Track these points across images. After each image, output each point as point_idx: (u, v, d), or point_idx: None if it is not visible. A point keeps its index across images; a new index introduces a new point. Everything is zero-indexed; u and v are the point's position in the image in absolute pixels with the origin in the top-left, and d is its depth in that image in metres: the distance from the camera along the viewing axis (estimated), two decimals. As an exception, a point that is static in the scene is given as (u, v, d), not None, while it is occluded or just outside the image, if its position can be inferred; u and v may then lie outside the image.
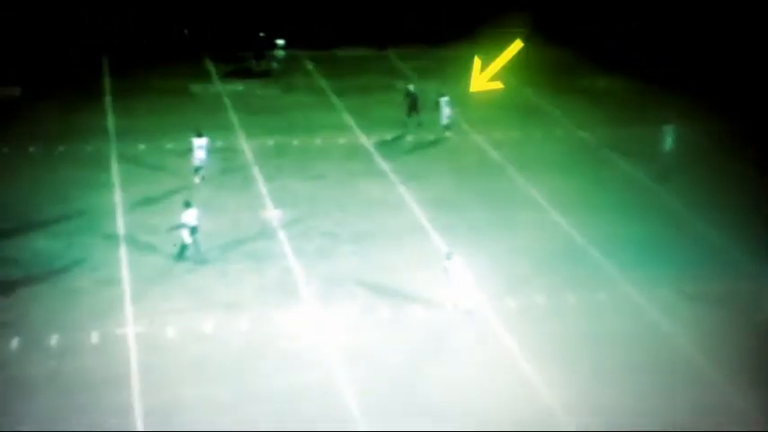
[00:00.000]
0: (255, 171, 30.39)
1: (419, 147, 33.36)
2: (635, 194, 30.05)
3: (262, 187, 29.16)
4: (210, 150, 29.11)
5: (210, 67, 41.77)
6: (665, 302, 23.36)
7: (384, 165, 31.53)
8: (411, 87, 35.49)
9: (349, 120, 35.79)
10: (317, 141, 33.38)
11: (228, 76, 40.49)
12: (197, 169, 28.77)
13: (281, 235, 26.09)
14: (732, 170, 32.23)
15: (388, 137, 34.07)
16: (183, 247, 24.00)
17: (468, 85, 40.72)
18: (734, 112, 37.96)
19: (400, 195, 29.14)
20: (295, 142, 33.21)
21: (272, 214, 27.37)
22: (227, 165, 30.79)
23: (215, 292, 22.86)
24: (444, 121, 34.05)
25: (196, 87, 38.87)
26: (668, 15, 48.55)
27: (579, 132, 35.63)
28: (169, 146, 31.90)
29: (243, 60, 42.25)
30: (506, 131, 35.20)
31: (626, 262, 25.24)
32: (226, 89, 38.80)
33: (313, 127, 34.69)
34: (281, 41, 42.65)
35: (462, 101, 38.58)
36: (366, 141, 33.62)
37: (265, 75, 41.05)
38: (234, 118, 35.32)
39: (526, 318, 22.52)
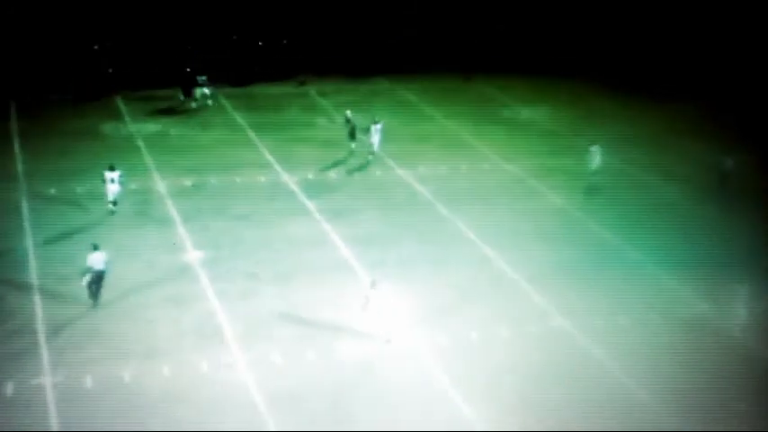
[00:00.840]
0: (173, 212, 30.31)
1: (344, 184, 33.77)
2: (564, 225, 30.94)
3: (180, 229, 29.10)
4: (124, 183, 29.94)
5: (122, 106, 41.62)
6: (599, 333, 24.03)
7: (308, 202, 31.82)
8: (349, 114, 37.67)
9: (270, 157, 36.05)
10: (237, 180, 33.51)
11: (142, 115, 40.41)
12: (112, 202, 29.55)
13: (202, 277, 26.05)
14: (658, 192, 33.63)
15: (311, 174, 34.41)
16: (93, 291, 23.85)
17: (390, 119, 41.52)
18: (651, 144, 39.52)
19: (325, 233, 29.42)
20: (214, 181, 33.28)
21: (192, 256, 27.33)
22: (142, 207, 30.67)
23: (133, 339, 22.64)
24: (374, 147, 35.99)
25: (108, 128, 38.68)
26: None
27: (505, 165, 36.56)
28: (80, 189, 31.63)
29: (155, 99, 42.35)
30: (432, 166, 35.91)
31: (557, 293, 25.93)
32: (139, 129, 38.70)
33: (232, 165, 34.82)
34: (202, 77, 43.07)
35: (385, 136, 39.27)
36: (288, 179, 33.88)
37: (186, 112, 41.12)
38: (148, 158, 35.22)
39: (458, 353, 22.88)
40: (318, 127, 40.68)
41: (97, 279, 23.83)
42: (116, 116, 40.30)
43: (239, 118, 41.02)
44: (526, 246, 29.05)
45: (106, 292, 24.20)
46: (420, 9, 50.63)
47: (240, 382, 21.27)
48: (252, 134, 38.77)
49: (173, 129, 39.14)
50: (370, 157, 36.00)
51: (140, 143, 37.02)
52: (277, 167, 34.97)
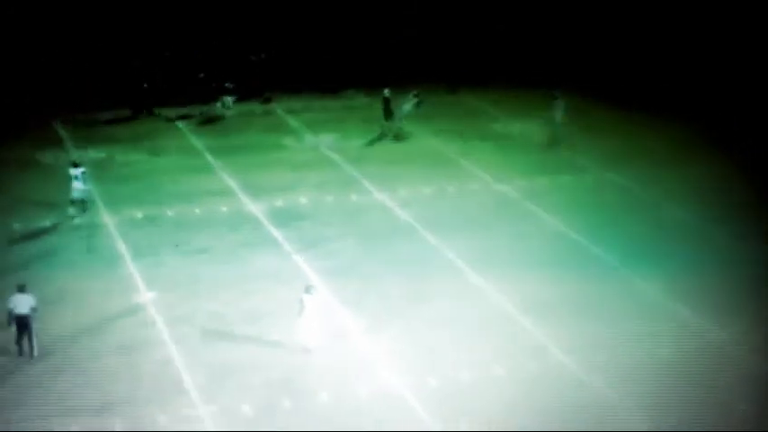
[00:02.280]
0: (122, 249, 30.46)
1: (315, 211, 34.05)
2: (563, 250, 31.34)
3: (131, 267, 29.25)
4: (87, 180, 32.88)
5: (62, 131, 41.80)
6: (606, 371, 24.34)
7: (276, 233, 32.07)
8: (386, 92, 41.90)
9: (232, 184, 36.31)
10: (196, 211, 33.73)
11: (84, 140, 40.57)
12: (75, 201, 32.40)
13: (158, 321, 26.19)
14: (663, 212, 34.22)
15: (279, 201, 34.69)
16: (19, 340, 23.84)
17: (366, 137, 42.10)
18: (655, 154, 40.17)
19: (296, 266, 29.66)
20: (169, 213, 33.47)
21: (146, 297, 27.47)
22: (87, 244, 30.80)
23: (81, 393, 22.68)
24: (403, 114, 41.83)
25: (46, 157, 38.80)
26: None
27: (496, 185, 37.00)
28: (16, 225, 31.74)
29: (99, 123, 42.65)
30: (415, 188, 36.31)
31: (557, 327, 26.27)
32: (81, 157, 38.77)
33: (189, 194, 35.03)
34: (229, 84, 44.72)
35: (362, 155, 39.77)
36: (253, 208, 34.14)
37: (133, 136, 41.27)
38: (93, 189, 35.31)
39: (449, 397, 23.11)
40: (286, 149, 41.01)
41: (22, 326, 23.75)
42: (55, 143, 40.41)
43: (195, 141, 41.29)
44: (521, 274, 29.39)
45: (48, 340, 24.29)
46: (402, 18, 51.54)
47: (204, 436, 21.41)
48: (210, 159, 39.04)
49: (119, 155, 39.31)
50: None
51: (84, 172, 37.13)
52: (240, 195, 35.22)
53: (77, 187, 32.69)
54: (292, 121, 44.60)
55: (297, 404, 22.63)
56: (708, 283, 28.79)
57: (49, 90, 44.94)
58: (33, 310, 23.85)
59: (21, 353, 24.05)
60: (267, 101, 46.73)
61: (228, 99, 44.78)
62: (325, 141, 41.70)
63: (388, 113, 42.28)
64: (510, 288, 28.41)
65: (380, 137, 42.27)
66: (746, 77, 47.36)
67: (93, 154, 39.24)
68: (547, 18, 53.01)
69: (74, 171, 32.93)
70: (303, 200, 34.98)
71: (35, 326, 23.95)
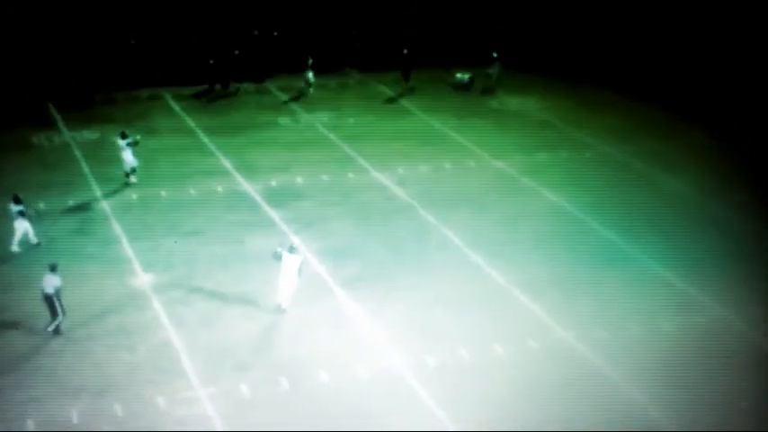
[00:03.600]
0: (118, 231, 30.57)
1: (312, 190, 34.18)
2: (562, 226, 31.55)
3: (127, 249, 29.38)
4: (137, 150, 34.04)
5: (55, 113, 41.84)
6: (606, 345, 24.62)
7: (272, 213, 32.21)
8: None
9: (227, 164, 36.41)
10: (191, 191, 33.85)
11: (78, 121, 40.64)
12: (132, 171, 33.94)
13: (155, 303, 26.36)
14: (671, 189, 34.35)
15: (275, 181, 34.81)
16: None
17: (363, 115, 42.24)
18: (660, 129, 40.41)
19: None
20: (164, 194, 33.59)
21: (143, 280, 27.64)
22: (82, 226, 30.88)
23: (81, 376, 22.91)
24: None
25: (39, 138, 38.87)
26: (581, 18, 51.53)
27: (494, 162, 37.15)
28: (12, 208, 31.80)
29: (93, 104, 42.71)
30: (411, 166, 36.46)
31: (557, 303, 26.51)
32: (75, 138, 38.93)
33: (184, 174, 35.13)
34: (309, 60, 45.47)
35: (359, 133, 39.88)
36: (249, 187, 34.26)
37: (130, 118, 41.33)
38: (87, 171, 35.42)
39: (449, 375, 23.37)
40: (282, 128, 41.11)
41: (47, 302, 24.38)
42: (48, 124, 40.47)
43: (190, 120, 41.36)
44: (520, 251, 29.63)
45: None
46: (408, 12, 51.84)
47: (203, 418, 21.60)
48: (205, 139, 39.12)
49: (113, 136, 39.24)
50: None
51: (77, 153, 37.23)
52: (236, 175, 35.33)
53: (126, 158, 34.00)
54: (287, 100, 44.66)
55: (296, 385, 22.86)
56: (708, 257, 29.02)
57: (43, 72, 44.92)
58: (57, 290, 24.38)
59: (56, 332, 24.55)
60: (260, 80, 46.68)
61: (310, 74, 45.08)
62: (321, 120, 41.83)
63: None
64: (509, 265, 28.64)
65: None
66: (741, 62, 47.59)
67: (88, 135, 39.32)
68: (547, 15, 53.10)
69: (121, 142, 34.14)
70: (299, 179, 35.10)
71: (61, 305, 24.52)
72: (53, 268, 24.57)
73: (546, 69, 49.68)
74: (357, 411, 21.95)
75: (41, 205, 31.51)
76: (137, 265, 28.40)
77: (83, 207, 32.25)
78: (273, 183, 34.74)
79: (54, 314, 24.50)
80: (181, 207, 32.62)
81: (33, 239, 29.11)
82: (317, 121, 41.74)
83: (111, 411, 21.66)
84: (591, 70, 49.12)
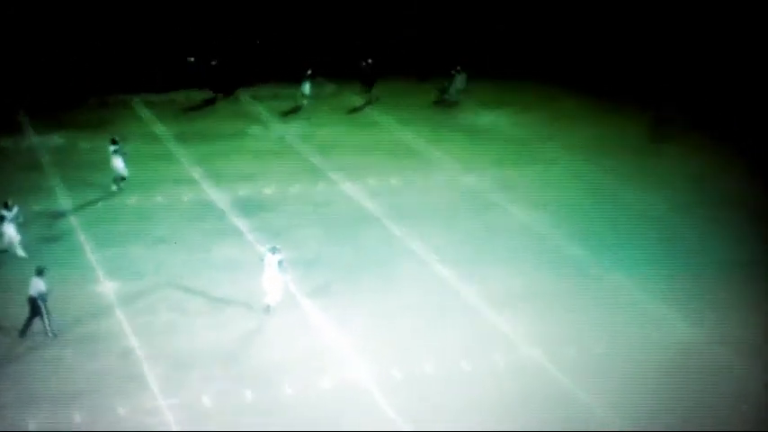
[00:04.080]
0: (82, 238, 30.40)
1: (281, 201, 34.16)
2: (530, 242, 31.65)
3: (91, 257, 29.22)
4: (123, 154, 33.78)
5: (23, 117, 41.61)
6: (572, 362, 24.69)
7: (239, 223, 32.14)
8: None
9: (194, 173, 36.32)
10: (158, 199, 33.72)
11: (45, 126, 40.44)
12: (121, 179, 33.76)
13: (120, 311, 26.21)
14: (643, 205, 34.65)
15: (243, 191, 34.75)
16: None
17: (335, 126, 42.33)
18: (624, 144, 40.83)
19: (261, 257, 29.72)
20: (130, 201, 33.46)
21: (108, 287, 27.47)
22: (46, 233, 30.70)
23: (41, 383, 22.72)
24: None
25: (5, 142, 38.63)
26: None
27: (464, 176, 37.26)
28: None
29: (62, 109, 42.52)
30: (382, 178, 36.51)
31: (525, 319, 26.58)
32: (42, 142, 38.74)
33: (151, 182, 35.00)
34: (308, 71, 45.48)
35: (330, 144, 39.92)
36: (216, 196, 34.18)
37: (96, 123, 41.11)
38: (53, 176, 35.27)
39: (413, 390, 23.35)
40: (252, 137, 41.06)
41: (31, 308, 24.53)
42: (15, 128, 40.24)
43: (158, 128, 41.22)
44: (488, 266, 29.70)
45: (9, 330, 24.54)
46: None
47: (162, 429, 21.45)
48: (173, 146, 39.01)
49: (82, 142, 39.20)
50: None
51: (44, 159, 37.03)
52: (203, 184, 35.25)
53: (115, 164, 33.65)
54: (259, 109, 44.65)
55: (259, 397, 22.76)
56: (676, 273, 29.19)
57: (12, 77, 44.68)
58: (41, 294, 24.50)
59: (22, 334, 24.53)
60: (228, 93, 46.46)
61: (307, 85, 45.10)
62: (292, 130, 41.82)
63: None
64: (476, 280, 28.70)
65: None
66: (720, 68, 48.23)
67: (56, 140, 39.14)
68: (541, 18, 53.63)
69: (112, 147, 33.81)
70: (267, 190, 35.05)
71: (45, 308, 24.69)
72: (40, 272, 24.72)
73: (521, 76, 50.01)
74: (319, 423, 21.87)
75: (4, 212, 31.22)
76: (101, 273, 28.25)
77: (48, 213, 32.09)
78: (241, 192, 34.67)
79: (34, 317, 24.52)
80: (148, 215, 32.49)
81: (19, 251, 28.79)
82: (289, 131, 41.73)
83: (69, 420, 21.48)
84: (569, 77, 49.41)
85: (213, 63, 46.35)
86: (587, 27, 53.22)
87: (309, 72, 45.17)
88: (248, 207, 33.44)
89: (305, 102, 44.96)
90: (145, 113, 43.22)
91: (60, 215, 32.05)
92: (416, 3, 53.01)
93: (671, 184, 36.64)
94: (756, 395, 23.63)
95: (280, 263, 26.16)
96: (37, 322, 24.68)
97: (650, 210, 34.48)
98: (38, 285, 24.60)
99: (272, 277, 26.10)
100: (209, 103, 45.10)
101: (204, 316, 26.21)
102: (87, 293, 27.08)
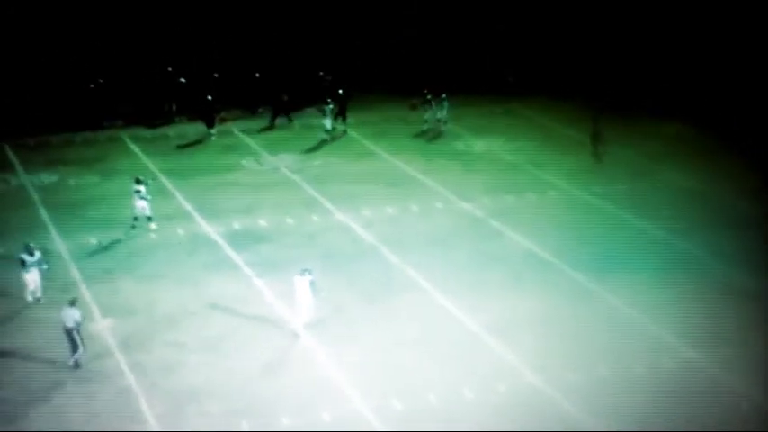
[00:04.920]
0: (76, 275, 30.31)
1: (276, 233, 34.12)
2: (531, 269, 31.61)
3: (85, 293, 29.11)
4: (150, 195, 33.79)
5: (12, 155, 41.60)
6: (580, 391, 24.59)
7: (235, 256, 32.09)
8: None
9: (187, 206, 36.27)
10: (151, 235, 33.66)
11: (35, 164, 40.43)
12: (147, 218, 33.71)
13: (114, 349, 26.09)
14: (641, 231, 34.69)
15: (237, 224, 34.71)
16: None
17: (326, 156, 42.41)
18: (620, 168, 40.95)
19: (257, 290, 29.71)
20: (123, 237, 33.38)
21: (102, 325, 27.35)
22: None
23: (37, 424, 22.64)
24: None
25: (-4, 181, 38.68)
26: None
27: (462, 203, 37.27)
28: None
29: (50, 146, 42.56)
30: (377, 207, 36.49)
31: (527, 346, 26.49)
32: (32, 181, 38.71)
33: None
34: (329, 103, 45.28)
35: (323, 174, 39.96)
36: (210, 230, 34.14)
37: (87, 159, 41.11)
38: (44, 214, 35.22)
39: (415, 419, 23.21)
40: (244, 170, 41.07)
41: (67, 336, 25.17)
42: (5, 167, 40.21)
43: (150, 163, 41.21)
44: (488, 294, 29.67)
45: (2, 369, 24.48)
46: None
47: (164, 466, 21.38)
48: (165, 181, 38.97)
49: (72, 179, 39.19)
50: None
51: (36, 197, 36.99)
52: (197, 217, 35.22)
53: (140, 206, 33.54)
54: (250, 142, 44.69)
55: (257, 429, 22.62)
56: (678, 298, 29.15)
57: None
58: (76, 323, 25.15)
59: (75, 366, 25.13)
60: (222, 120, 46.56)
61: (328, 120, 44.99)
62: (285, 161, 41.87)
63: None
64: (476, 308, 28.64)
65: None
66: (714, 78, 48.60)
67: (45, 178, 39.11)
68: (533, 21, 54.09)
69: (136, 187, 33.63)
70: (262, 222, 35.02)
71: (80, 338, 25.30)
72: (73, 302, 25.32)
73: (509, 93, 50.42)
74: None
75: (25, 256, 31.25)
76: (96, 310, 28.14)
77: (41, 251, 31.84)
78: (236, 225, 34.64)
79: (74, 347, 25.02)
80: (141, 250, 32.44)
81: (38, 293, 28.59)
82: (282, 162, 41.77)
83: (67, 460, 21.40)
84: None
85: (182, 80, 46.73)
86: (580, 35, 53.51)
87: (329, 102, 45.19)
88: (243, 240, 33.40)
89: (327, 136, 44.87)
90: (134, 148, 43.21)
91: (53, 253, 31.85)
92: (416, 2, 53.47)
93: (669, 205, 36.63)
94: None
95: (312, 284, 27.02)
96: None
97: (649, 235, 34.44)
98: (74, 315, 25.17)
99: (303, 299, 26.94)
100: (201, 137, 45.06)
101: (199, 352, 26.10)
102: (82, 331, 26.87)
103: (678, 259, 32.25)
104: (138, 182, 33.86)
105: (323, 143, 44.46)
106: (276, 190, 38.35)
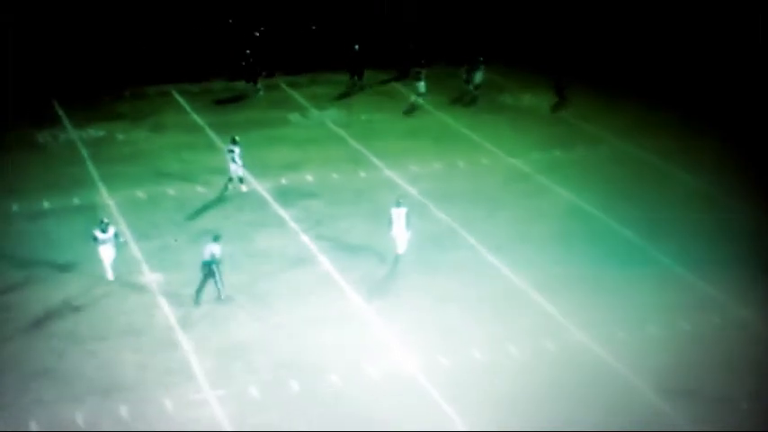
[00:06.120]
0: (125, 230, 30.56)
1: (323, 189, 34.15)
2: (578, 225, 31.43)
3: (135, 249, 29.39)
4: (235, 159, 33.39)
5: (60, 110, 41.90)
6: (627, 347, 24.50)
7: (282, 212, 32.18)
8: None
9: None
10: (199, 189, 33.84)
11: (83, 119, 40.70)
12: (239, 179, 33.61)
13: (163, 304, 26.35)
14: (691, 187, 34.23)
15: (285, 179, 34.77)
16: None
17: (374, 113, 42.24)
18: (673, 126, 40.35)
19: (304, 246, 29.80)
20: (171, 192, 33.61)
21: (150, 279, 27.62)
22: (88, 226, 30.50)
23: (87, 377, 22.93)
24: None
25: (43, 136, 38.93)
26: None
27: (508, 159, 37.04)
28: (15, 208, 31.90)
29: (98, 101, 42.83)
30: (424, 163, 36.40)
31: (574, 303, 26.39)
32: (81, 136, 39.00)
33: (192, 173, 35.16)
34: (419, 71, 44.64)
35: (370, 130, 39.85)
36: (258, 186, 34.24)
37: (137, 114, 41.35)
38: (93, 169, 35.50)
39: (462, 376, 23.28)
40: (291, 125, 41.08)
41: (205, 272, 26.19)
42: (53, 122, 40.53)
43: (197, 117, 41.36)
44: (536, 250, 29.53)
45: (52, 320, 24.87)
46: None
47: (212, 421, 21.57)
48: (213, 136, 39.12)
49: (120, 134, 39.44)
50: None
51: (84, 152, 37.29)
52: (245, 173, 35.28)
53: (232, 167, 33.38)
54: (297, 96, 44.66)
55: (305, 386, 22.78)
56: (726, 256, 28.86)
57: (47, 69, 45.06)
58: (214, 258, 26.12)
59: (196, 300, 26.21)
60: (270, 75, 46.56)
61: (422, 84, 44.21)
62: (332, 116, 41.82)
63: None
64: (524, 265, 28.54)
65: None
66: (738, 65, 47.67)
67: (93, 132, 39.40)
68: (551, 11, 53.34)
69: (230, 146, 33.54)
70: (309, 177, 35.07)
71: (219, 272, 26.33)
72: (216, 238, 26.27)
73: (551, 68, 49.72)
74: (367, 413, 21.86)
75: (45, 204, 31.57)
76: (145, 265, 28.41)
77: (89, 206, 32.28)
78: (283, 181, 34.72)
79: (207, 281, 26.14)
80: (189, 205, 32.63)
81: (109, 273, 27.51)
82: (328, 118, 41.72)
83: (116, 413, 21.65)
84: (601, 71, 48.96)
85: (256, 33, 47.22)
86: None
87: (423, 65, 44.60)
88: (290, 195, 33.48)
89: (420, 100, 44.04)
90: (183, 103, 43.35)
91: (101, 208, 32.20)
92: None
93: (719, 167, 36.11)
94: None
95: (407, 215, 28.55)
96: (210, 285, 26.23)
97: (700, 192, 34.03)
98: (213, 249, 26.02)
99: (400, 229, 28.54)
100: (246, 90, 45.06)
101: (248, 307, 26.28)
102: (130, 285, 27.23)
103: (734, 218, 31.85)
104: (234, 141, 33.60)
105: (368, 97, 44.26)
106: (322, 145, 38.37)
